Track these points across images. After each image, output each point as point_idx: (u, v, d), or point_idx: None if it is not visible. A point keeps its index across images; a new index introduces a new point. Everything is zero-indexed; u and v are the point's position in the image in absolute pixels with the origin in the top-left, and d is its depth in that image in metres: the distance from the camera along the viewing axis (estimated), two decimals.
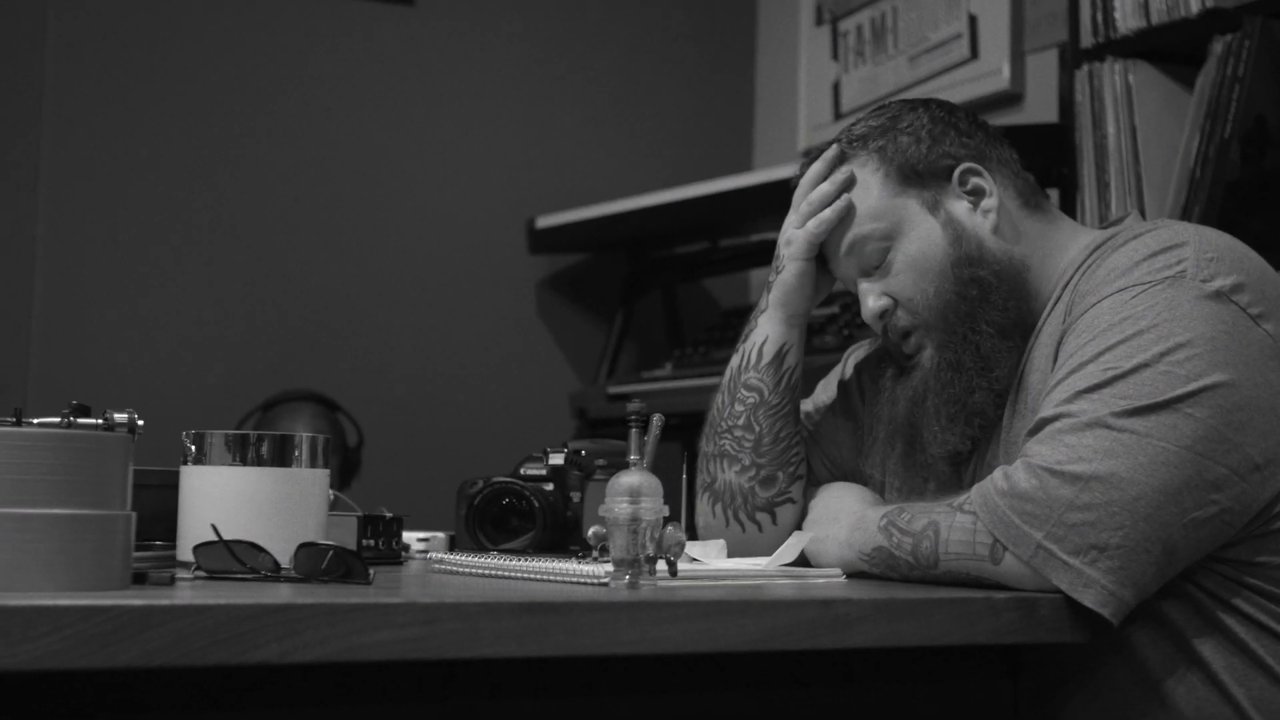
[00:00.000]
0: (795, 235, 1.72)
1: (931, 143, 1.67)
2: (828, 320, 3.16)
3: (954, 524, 1.45)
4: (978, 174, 1.66)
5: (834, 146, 1.72)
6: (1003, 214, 1.65)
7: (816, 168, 1.71)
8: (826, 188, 1.70)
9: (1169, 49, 2.60)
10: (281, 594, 1.19)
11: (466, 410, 3.71)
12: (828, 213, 1.70)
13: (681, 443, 1.86)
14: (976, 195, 1.66)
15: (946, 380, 1.61)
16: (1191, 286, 1.46)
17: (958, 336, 1.60)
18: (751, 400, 1.73)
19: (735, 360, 1.77)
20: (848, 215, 1.67)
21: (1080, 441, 1.40)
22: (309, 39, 3.66)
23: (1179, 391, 1.40)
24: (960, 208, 1.65)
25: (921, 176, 1.66)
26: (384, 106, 3.73)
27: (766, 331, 1.75)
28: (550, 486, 1.81)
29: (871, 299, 1.66)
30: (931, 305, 1.62)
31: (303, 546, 1.34)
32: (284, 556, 1.34)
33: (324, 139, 3.66)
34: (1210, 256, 1.48)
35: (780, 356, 1.74)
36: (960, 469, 1.65)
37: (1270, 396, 1.43)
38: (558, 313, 3.90)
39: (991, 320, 1.60)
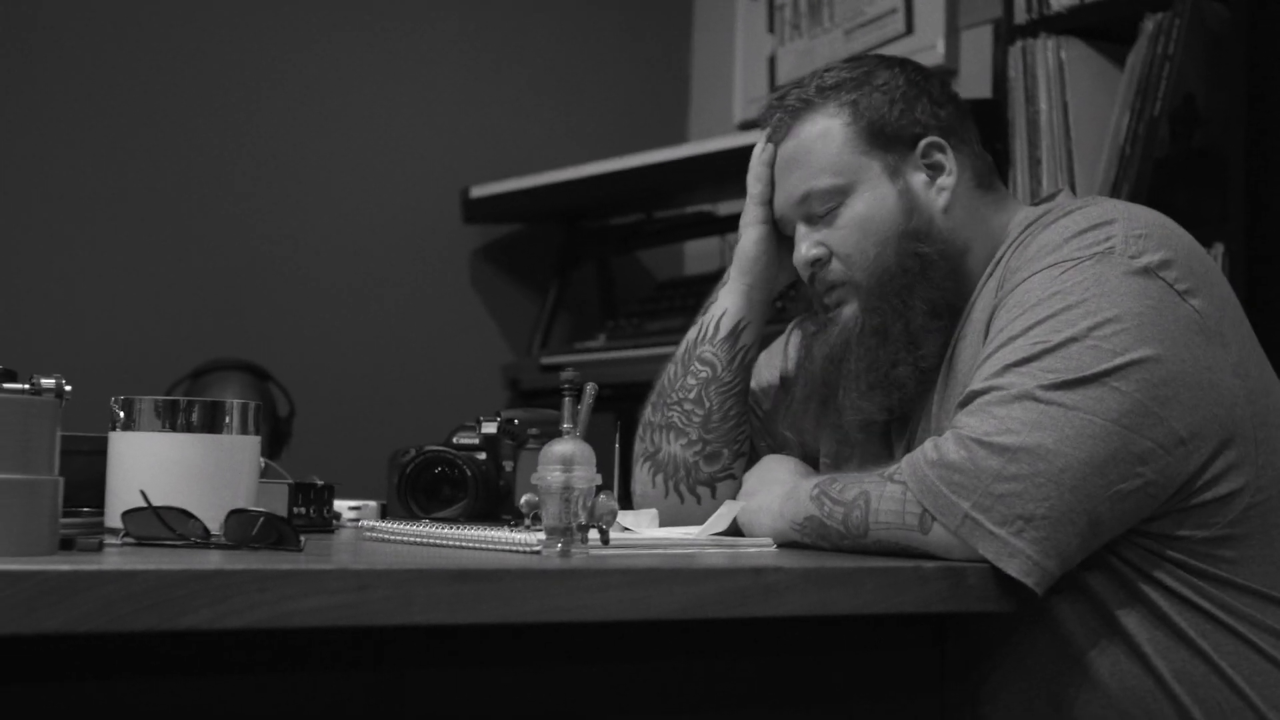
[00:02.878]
0: (747, 203, 1.73)
1: (905, 106, 1.66)
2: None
3: (884, 494, 1.46)
4: (941, 149, 1.66)
5: (797, 95, 1.69)
6: (956, 194, 1.65)
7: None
8: (760, 146, 1.71)
9: (1101, 26, 2.63)
10: (211, 560, 1.18)
11: (399, 380, 3.70)
12: (764, 169, 1.70)
13: (615, 413, 1.86)
14: (935, 170, 1.66)
15: (871, 346, 1.61)
16: (1120, 262, 1.47)
17: (888, 305, 1.61)
18: (704, 375, 1.73)
19: (692, 333, 1.77)
20: (803, 165, 1.66)
21: (1008, 414, 1.41)
22: (243, 4, 3.62)
23: (1106, 366, 1.42)
24: (918, 180, 1.65)
25: (888, 139, 1.65)
26: (318, 74, 3.69)
27: (725, 305, 1.75)
28: (483, 455, 1.81)
29: (806, 245, 1.65)
30: (869, 267, 1.62)
31: (233, 513, 1.33)
32: (214, 523, 1.33)
33: (258, 105, 3.62)
34: (1139, 233, 1.49)
35: (736, 332, 1.74)
36: (878, 435, 1.65)
37: (1196, 371, 1.45)
38: (491, 283, 3.89)
39: (926, 297, 1.60)
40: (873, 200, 1.64)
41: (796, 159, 1.67)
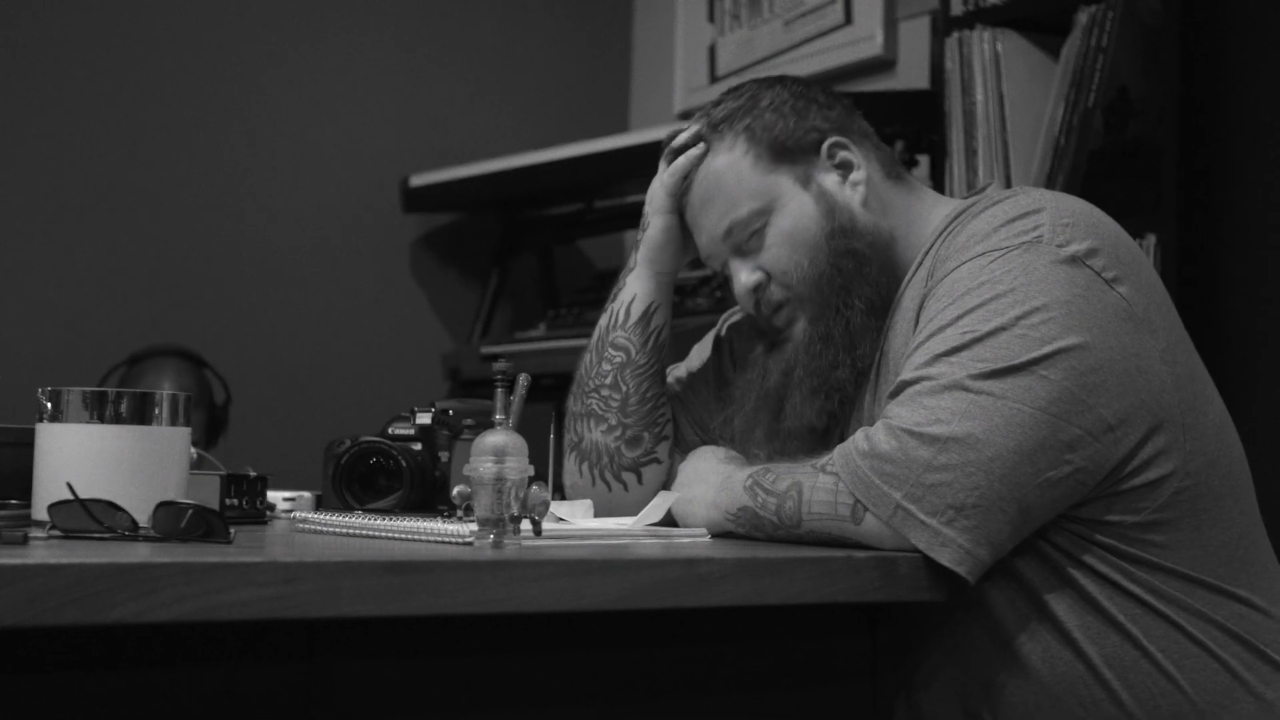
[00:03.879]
0: (655, 189, 1.73)
1: (797, 118, 1.67)
2: (700, 282, 3.18)
3: (816, 484, 1.47)
4: (845, 147, 1.68)
5: (694, 130, 1.71)
6: (870, 186, 1.67)
7: (681, 136, 1.72)
8: (683, 137, 1.71)
9: (1036, 18, 2.65)
10: (139, 553, 1.17)
11: (338, 370, 3.68)
12: (681, 161, 1.71)
13: (553, 403, 1.86)
14: (845, 169, 1.67)
15: (815, 352, 1.62)
16: (1047, 251, 1.48)
17: (830, 309, 1.62)
18: (619, 359, 1.74)
19: (604, 320, 1.77)
20: (719, 200, 1.67)
21: (938, 403, 1.42)
22: None
23: (1034, 354, 1.43)
24: (830, 180, 1.66)
25: (791, 152, 1.66)
26: (256, 61, 3.66)
27: (635, 290, 1.75)
28: (418, 446, 1.80)
29: (744, 274, 1.66)
30: (806, 277, 1.63)
31: (161, 505, 1.32)
32: (143, 516, 1.32)
33: (194, 92, 3.59)
34: (1066, 222, 1.51)
35: (648, 315, 1.74)
36: (823, 440, 1.66)
37: (1124, 358, 1.46)
38: (432, 272, 3.88)
39: (863, 295, 1.61)
40: (792, 212, 1.65)
41: (709, 197, 1.68)
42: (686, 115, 3.76)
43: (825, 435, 1.67)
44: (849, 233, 1.63)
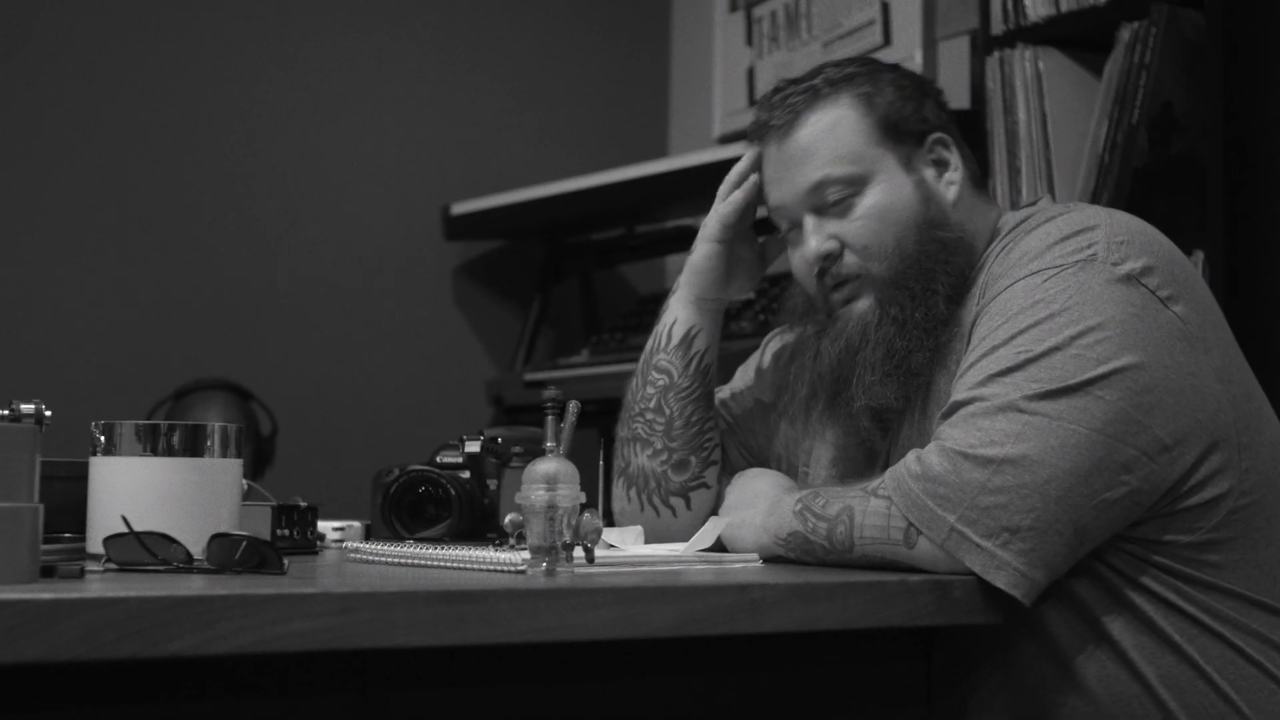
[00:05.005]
0: (709, 217, 1.73)
1: (915, 104, 1.66)
2: (744, 305, 3.17)
3: (868, 508, 1.46)
4: (946, 146, 1.67)
5: (805, 88, 1.67)
6: (963, 188, 1.66)
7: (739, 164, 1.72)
8: (740, 166, 1.71)
9: (1078, 36, 2.63)
10: (195, 585, 1.18)
11: (382, 399, 3.69)
12: (738, 194, 1.70)
13: (599, 429, 1.86)
14: (941, 166, 1.67)
15: (888, 335, 1.59)
16: (1102, 270, 1.47)
17: (907, 294, 1.59)
18: (662, 383, 1.73)
19: (649, 344, 1.77)
20: (818, 153, 1.63)
21: (993, 425, 1.41)
22: (223, 21, 3.61)
23: (1090, 374, 1.42)
24: (929, 173, 1.66)
25: (901, 133, 1.65)
26: (300, 93, 3.69)
27: (676, 314, 1.75)
28: (466, 474, 1.80)
29: (816, 240, 1.63)
30: (889, 256, 1.61)
31: (216, 537, 1.32)
32: (197, 548, 1.33)
33: (238, 125, 3.61)
34: (1121, 240, 1.50)
35: (689, 339, 1.74)
36: (882, 430, 1.64)
37: (1179, 378, 1.45)
38: (474, 300, 3.88)
39: (947, 283, 1.59)
40: (890, 190, 1.63)
41: (807, 149, 1.65)
42: (726, 139, 3.76)
43: (871, 448, 1.65)
44: (940, 224, 1.62)
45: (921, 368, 1.59)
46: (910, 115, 1.65)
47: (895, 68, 1.70)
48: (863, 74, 1.67)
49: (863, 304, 1.62)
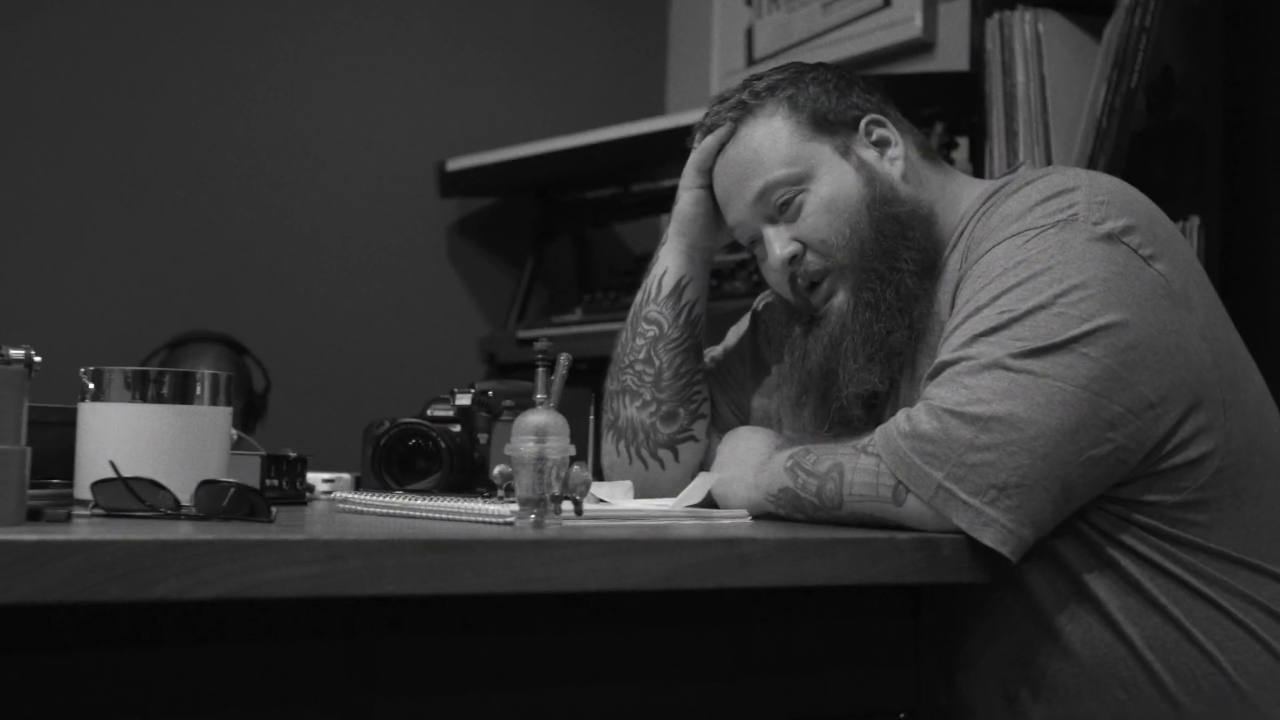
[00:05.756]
0: (686, 167, 1.73)
1: (839, 94, 1.68)
2: (738, 266, 3.17)
3: (858, 465, 1.46)
4: (882, 125, 1.68)
5: (734, 101, 1.70)
6: (908, 162, 1.66)
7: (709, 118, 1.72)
8: (711, 121, 1.71)
9: None
10: (181, 530, 1.17)
11: (376, 355, 3.68)
12: (710, 139, 1.70)
13: (590, 387, 1.86)
14: (882, 145, 1.67)
15: (865, 320, 1.60)
16: (1084, 229, 1.47)
17: (875, 276, 1.60)
18: (651, 334, 1.74)
19: (639, 295, 1.78)
20: (754, 165, 1.66)
21: (979, 383, 1.41)
22: None
23: (1074, 332, 1.42)
24: (870, 154, 1.66)
25: (832, 124, 1.66)
26: (293, 49, 3.67)
27: (666, 264, 1.76)
28: (457, 428, 1.80)
29: (779, 245, 1.64)
30: (849, 244, 1.61)
31: (204, 484, 1.32)
32: (185, 495, 1.32)
33: (232, 79, 3.59)
34: (1101, 200, 1.50)
35: (679, 289, 1.74)
36: (872, 413, 1.65)
37: (1163, 335, 1.45)
38: (468, 257, 3.87)
39: (911, 259, 1.60)
40: (833, 180, 1.64)
41: (747, 162, 1.67)
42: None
43: (879, 407, 1.66)
44: (890, 200, 1.62)
45: (902, 346, 1.60)
46: (838, 105, 1.67)
47: (817, 66, 1.72)
48: (784, 79, 1.69)
49: (839, 299, 1.63)
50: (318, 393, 3.55)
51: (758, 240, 1.68)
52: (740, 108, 1.69)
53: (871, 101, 1.69)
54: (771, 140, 1.66)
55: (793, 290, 1.66)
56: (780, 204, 1.64)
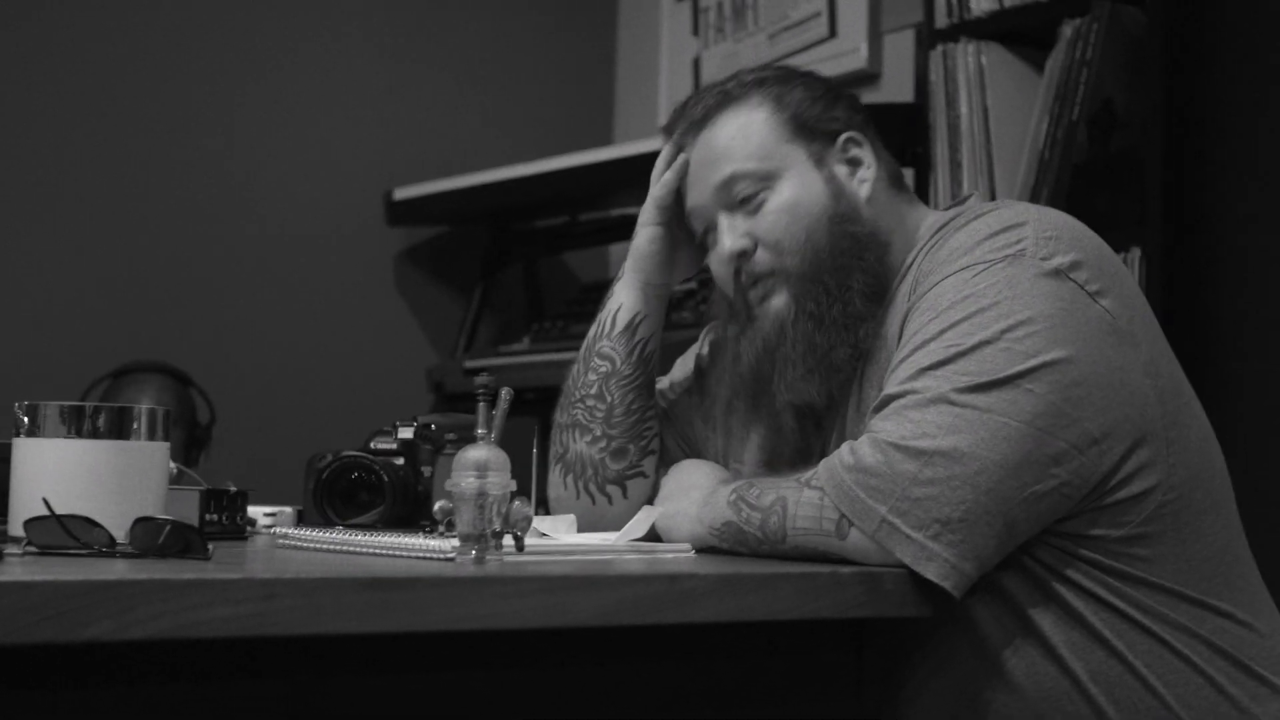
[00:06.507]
0: (646, 203, 1.73)
1: (825, 105, 1.68)
2: (685, 295, 3.17)
3: (801, 499, 1.46)
4: (859, 145, 1.68)
5: (719, 90, 1.70)
6: (876, 187, 1.67)
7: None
8: (667, 151, 1.71)
9: (1021, 31, 2.65)
10: (115, 569, 1.16)
11: (323, 385, 3.66)
12: (669, 175, 1.70)
13: (537, 417, 1.85)
14: (855, 164, 1.68)
15: (807, 331, 1.59)
16: (1031, 265, 1.48)
17: (823, 289, 1.60)
18: (604, 369, 1.73)
19: (592, 330, 1.77)
20: (727, 152, 1.65)
21: (924, 417, 1.41)
22: (161, 2, 3.57)
23: (1019, 368, 1.42)
24: (841, 170, 1.67)
25: (811, 132, 1.66)
26: (237, 72, 3.65)
27: (621, 300, 1.75)
28: (400, 461, 1.79)
29: (730, 239, 1.64)
30: (801, 251, 1.61)
31: (139, 521, 1.31)
32: (120, 532, 1.31)
33: (178, 105, 3.57)
34: (1049, 235, 1.50)
35: (633, 326, 1.74)
36: (815, 427, 1.65)
37: (1108, 372, 1.46)
38: (416, 286, 3.86)
39: (861, 281, 1.60)
40: (799, 185, 1.64)
41: (719, 149, 1.67)
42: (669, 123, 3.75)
43: (805, 443, 1.66)
44: (851, 219, 1.63)
45: (844, 364, 1.59)
46: (821, 114, 1.67)
47: (808, 73, 1.73)
48: (774, 76, 1.70)
49: (778, 301, 1.63)
50: (264, 424, 3.52)
51: (712, 228, 1.67)
52: (723, 96, 1.69)
53: (854, 119, 1.70)
54: (748, 132, 1.66)
55: (735, 286, 1.66)
56: (742, 197, 1.64)
